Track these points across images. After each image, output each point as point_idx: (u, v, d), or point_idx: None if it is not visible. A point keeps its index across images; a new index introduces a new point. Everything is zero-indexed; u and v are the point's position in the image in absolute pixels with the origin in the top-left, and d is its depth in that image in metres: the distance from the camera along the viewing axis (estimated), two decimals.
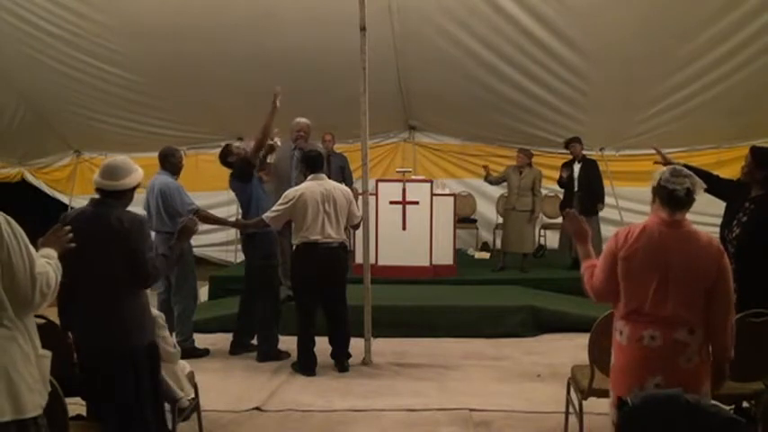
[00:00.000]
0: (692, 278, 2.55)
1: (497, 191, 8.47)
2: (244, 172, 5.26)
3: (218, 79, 7.55)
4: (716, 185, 3.73)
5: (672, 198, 2.58)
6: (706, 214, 4.61)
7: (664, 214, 2.61)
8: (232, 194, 5.70)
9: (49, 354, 2.46)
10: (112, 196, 2.99)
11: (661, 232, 2.59)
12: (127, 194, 3.04)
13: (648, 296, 2.58)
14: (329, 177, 5.38)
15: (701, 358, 2.59)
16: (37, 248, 2.49)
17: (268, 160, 6.05)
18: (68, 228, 2.68)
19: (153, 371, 3.09)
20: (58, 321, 3.23)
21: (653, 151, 4.41)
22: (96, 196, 3.04)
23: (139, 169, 3.09)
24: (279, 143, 5.94)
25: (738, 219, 3.71)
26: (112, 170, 2.99)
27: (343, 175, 7.31)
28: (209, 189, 8.05)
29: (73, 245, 2.67)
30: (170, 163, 5.28)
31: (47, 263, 2.44)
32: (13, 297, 2.28)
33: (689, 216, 2.66)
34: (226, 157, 5.39)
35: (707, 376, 2.61)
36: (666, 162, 4.01)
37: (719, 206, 4.00)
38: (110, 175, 2.98)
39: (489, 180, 7.77)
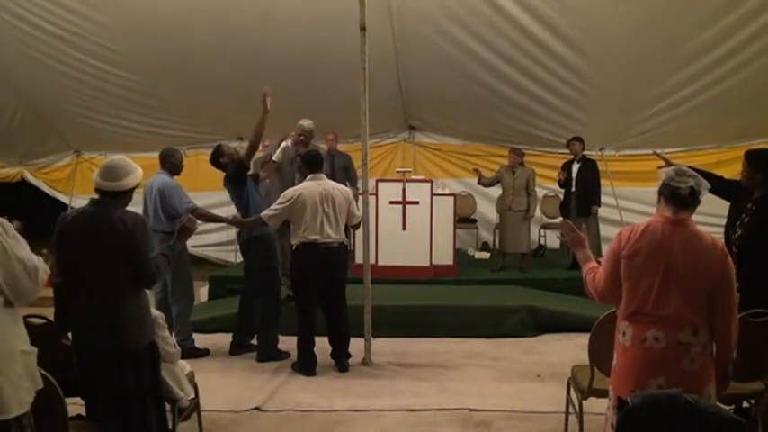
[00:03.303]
0: (695, 278, 2.54)
1: (497, 191, 8.45)
2: (238, 175, 5.26)
3: (218, 79, 7.54)
4: (720, 186, 3.76)
5: (675, 196, 2.57)
6: (710, 215, 4.61)
7: (668, 213, 2.60)
8: None
9: (34, 350, 2.49)
10: (112, 196, 2.99)
11: (664, 231, 2.57)
12: (126, 194, 3.04)
13: (651, 295, 2.56)
14: (333, 177, 5.38)
15: (705, 359, 2.57)
16: None
17: (273, 158, 6.05)
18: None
19: (154, 371, 3.09)
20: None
21: (653, 151, 4.42)
22: (95, 196, 3.04)
23: (139, 169, 3.09)
24: (289, 143, 5.95)
25: (741, 220, 3.72)
26: (112, 170, 2.99)
27: (348, 175, 7.30)
28: (208, 189, 8.03)
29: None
30: (170, 163, 5.28)
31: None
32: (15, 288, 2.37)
33: (693, 217, 2.65)
34: (218, 158, 5.36)
35: (710, 377, 2.59)
36: (670, 166, 4.01)
37: (723, 207, 4.01)
38: (109, 176, 2.98)
39: (482, 182, 7.77)
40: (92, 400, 3.08)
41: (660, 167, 4.22)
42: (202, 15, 6.74)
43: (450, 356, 5.44)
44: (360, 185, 6.70)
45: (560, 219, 7.91)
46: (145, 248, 2.97)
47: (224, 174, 5.36)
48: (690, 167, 2.77)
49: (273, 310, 5.38)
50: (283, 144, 5.97)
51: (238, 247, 5.73)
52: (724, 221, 3.96)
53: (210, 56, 7.20)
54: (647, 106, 7.49)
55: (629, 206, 8.17)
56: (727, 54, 6.66)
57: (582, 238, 2.96)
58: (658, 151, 4.41)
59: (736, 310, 2.64)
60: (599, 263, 2.83)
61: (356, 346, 5.21)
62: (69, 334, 3.17)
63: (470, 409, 4.28)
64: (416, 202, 7.17)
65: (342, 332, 5.14)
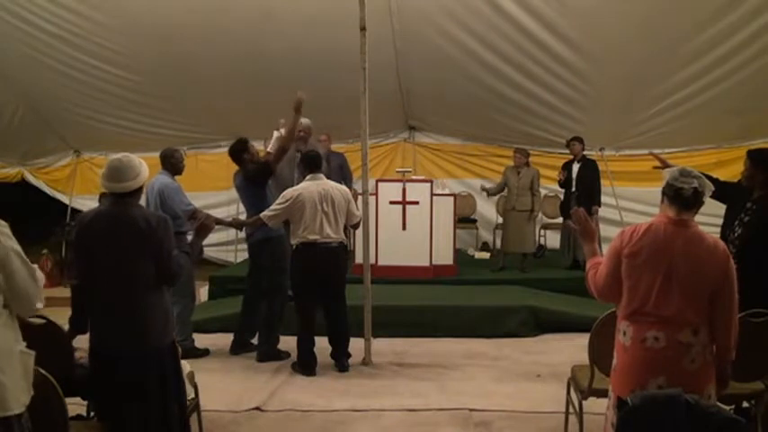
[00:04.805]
0: (697, 279, 2.53)
1: None
2: (261, 176, 5.28)
3: (218, 79, 7.54)
4: (717, 188, 3.75)
5: (678, 196, 2.57)
6: (711, 215, 4.61)
7: (671, 213, 2.60)
8: (232, 194, 5.68)
9: (32, 352, 2.49)
10: (126, 195, 2.98)
11: (667, 231, 2.57)
12: (139, 190, 3.05)
13: (652, 295, 2.55)
14: (329, 177, 5.38)
15: (705, 359, 2.56)
16: None
17: (268, 149, 6.05)
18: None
19: (176, 369, 3.09)
20: (65, 323, 3.24)
21: (649, 152, 4.42)
22: (95, 196, 3.05)
23: (143, 163, 3.06)
24: (282, 132, 5.93)
25: (741, 219, 3.72)
26: (119, 172, 2.95)
27: (343, 174, 7.29)
28: (209, 189, 8.05)
29: None
30: (170, 163, 5.29)
31: None
32: (17, 294, 2.36)
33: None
34: (241, 152, 5.32)
35: (711, 377, 2.58)
36: (666, 166, 4.01)
37: (720, 207, 4.00)
38: (118, 178, 2.94)
39: (491, 194, 7.80)
40: (110, 400, 3.02)
41: (655, 167, 4.22)
42: (202, 15, 6.73)
43: (450, 356, 5.44)
44: (355, 187, 6.70)
45: (561, 219, 7.93)
46: (168, 246, 2.98)
47: (243, 172, 5.35)
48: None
49: (280, 310, 5.38)
50: (276, 134, 5.95)
51: (247, 246, 5.69)
52: (719, 221, 3.96)
53: (210, 56, 7.20)
54: (647, 106, 7.49)
55: (629, 206, 8.17)
56: (727, 54, 6.65)
57: (593, 230, 2.94)
58: (656, 152, 4.40)
59: (737, 312, 2.64)
60: None
61: (356, 346, 5.21)
62: (78, 336, 3.17)
63: (470, 409, 4.28)
64: (416, 202, 7.17)
65: (342, 332, 5.15)
